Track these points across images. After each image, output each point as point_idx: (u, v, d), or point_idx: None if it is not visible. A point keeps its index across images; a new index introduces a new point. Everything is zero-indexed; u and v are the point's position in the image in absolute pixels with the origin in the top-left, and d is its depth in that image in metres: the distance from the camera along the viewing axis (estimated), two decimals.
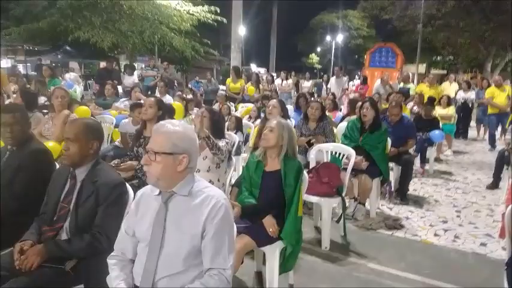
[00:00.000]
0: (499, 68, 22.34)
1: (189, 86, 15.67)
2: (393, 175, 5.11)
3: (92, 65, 23.46)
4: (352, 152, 3.85)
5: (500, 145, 8.50)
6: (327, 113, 7.81)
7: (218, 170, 2.94)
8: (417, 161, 6.33)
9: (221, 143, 2.89)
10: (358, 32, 38.65)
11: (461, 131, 9.66)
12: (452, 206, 4.74)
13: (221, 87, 10.44)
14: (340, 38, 37.99)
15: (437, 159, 7.16)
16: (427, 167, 6.40)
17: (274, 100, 3.82)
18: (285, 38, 38.76)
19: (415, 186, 5.51)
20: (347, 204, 4.35)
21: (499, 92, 8.09)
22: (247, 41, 35.23)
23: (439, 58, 32.47)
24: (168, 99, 6.52)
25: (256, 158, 2.68)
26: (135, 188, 3.18)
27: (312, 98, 8.16)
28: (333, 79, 10.54)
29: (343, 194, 3.69)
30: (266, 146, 2.62)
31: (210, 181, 2.90)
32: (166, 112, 3.87)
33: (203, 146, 2.84)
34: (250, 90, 8.99)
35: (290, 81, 12.22)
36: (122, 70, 17.53)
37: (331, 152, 4.00)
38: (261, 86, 9.40)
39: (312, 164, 3.95)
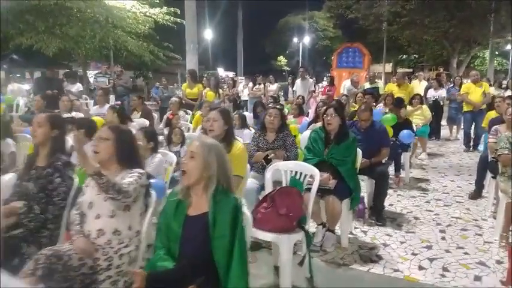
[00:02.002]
0: (464, 64, 22.46)
1: (151, 93, 14.70)
2: (366, 190, 4.45)
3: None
4: (316, 171, 3.10)
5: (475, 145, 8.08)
6: (292, 119, 7.24)
7: (129, 214, 2.10)
8: (391, 169, 5.72)
9: (127, 179, 2.06)
10: (324, 33, 38.69)
11: (433, 131, 9.19)
12: (436, 225, 4.09)
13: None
14: (307, 39, 37.80)
15: (412, 165, 6.57)
16: (402, 174, 5.78)
17: (214, 111, 3.02)
18: (253, 41, 38.32)
19: (391, 200, 4.86)
20: (314, 230, 3.64)
21: (475, 87, 7.61)
22: (214, 44, 34.51)
23: (404, 57, 32.82)
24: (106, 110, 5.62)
25: (175, 197, 1.89)
26: (19, 241, 2.36)
27: (273, 103, 7.45)
28: (298, 81, 9.85)
29: (307, 224, 2.95)
30: (187, 184, 1.84)
31: (116, 231, 2.08)
32: (80, 129, 3.04)
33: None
34: (209, 96, 8.18)
35: (261, 85, 11.51)
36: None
37: (292, 172, 3.25)
38: (221, 91, 8.60)
39: (268, 186, 3.19)
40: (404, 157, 5.80)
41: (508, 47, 26.59)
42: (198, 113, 7.41)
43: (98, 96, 6.16)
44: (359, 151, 3.85)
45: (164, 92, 9.00)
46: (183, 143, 4.24)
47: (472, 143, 8.09)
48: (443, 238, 3.74)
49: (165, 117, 6.27)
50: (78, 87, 8.81)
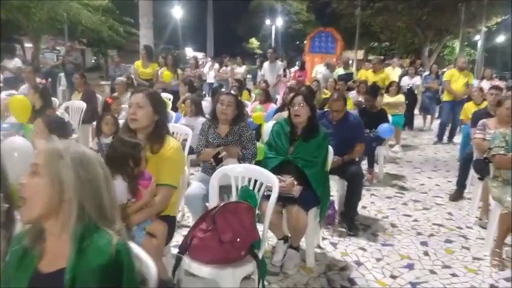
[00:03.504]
0: (435, 53, 22.39)
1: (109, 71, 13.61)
2: (337, 192, 3.82)
3: None
4: (274, 179, 2.39)
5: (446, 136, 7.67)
6: (257, 106, 6.51)
7: None
8: (364, 164, 5.15)
9: None
10: (298, 17, 37.93)
11: (406, 121, 8.72)
12: (416, 234, 3.51)
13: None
14: (279, 22, 36.88)
15: (386, 158, 6.03)
16: (376, 169, 5.21)
17: (140, 94, 2.22)
18: (224, 22, 37.05)
19: (365, 201, 4.26)
20: (273, 244, 2.99)
21: (459, 75, 7.04)
22: (184, 24, 33.00)
23: (376, 44, 32.69)
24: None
25: (20, 243, 1.13)
26: None
27: (238, 88, 6.70)
28: (266, 64, 9.07)
29: (262, 248, 2.26)
30: (28, 220, 1.09)
31: None
32: None
33: None
34: (166, 76, 7.31)
35: (229, 67, 10.67)
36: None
37: (244, 178, 2.52)
38: (180, 71, 7.73)
39: (213, 198, 2.46)
40: (379, 151, 5.22)
41: (477, 37, 26.81)
42: (165, 95, 6.59)
43: (26, 73, 5.19)
44: (330, 149, 3.19)
45: (116, 71, 8.01)
46: (116, 133, 3.43)
47: (447, 135, 7.66)
48: (425, 253, 3.16)
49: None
50: (16, 62, 7.72)
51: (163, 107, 2.26)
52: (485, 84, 8.66)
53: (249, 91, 8.42)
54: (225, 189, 2.64)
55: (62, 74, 10.22)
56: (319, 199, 2.82)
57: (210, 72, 11.42)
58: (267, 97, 6.56)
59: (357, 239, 3.38)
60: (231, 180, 2.46)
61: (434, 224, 3.75)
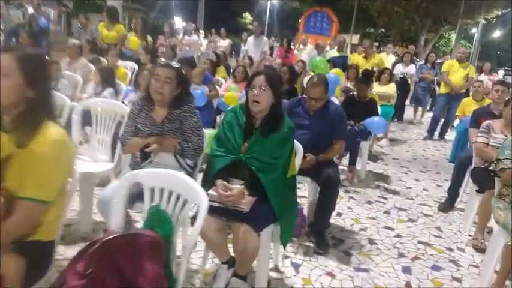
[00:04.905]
0: (431, 43, 21.74)
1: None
2: (308, 197, 3.17)
3: None
4: (202, 197, 1.66)
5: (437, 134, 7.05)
6: (232, 85, 5.76)
7: None
8: (344, 161, 4.52)
9: None
10: None
11: (396, 112, 8.07)
12: (397, 256, 2.88)
13: None
14: None
15: (370, 154, 5.39)
16: (358, 166, 4.56)
17: (6, 56, 1.41)
18: None
19: (341, 206, 3.63)
20: (216, 266, 2.33)
21: (459, 67, 6.37)
22: None
23: (372, 30, 31.92)
24: None
25: None
26: None
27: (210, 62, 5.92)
28: (250, 38, 8.29)
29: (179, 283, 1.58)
30: None
31: None
32: None
33: None
34: (133, 42, 6.49)
35: (195, 36, 9.70)
36: None
37: (161, 191, 1.76)
38: (149, 38, 6.89)
39: (116, 216, 1.74)
40: (363, 147, 4.56)
41: (474, 30, 26.21)
42: (128, 64, 5.79)
43: None
44: (298, 146, 2.50)
45: (81, 33, 7.10)
46: None
47: (438, 131, 7.04)
48: (407, 285, 2.54)
49: None
50: None
51: (43, 78, 1.50)
52: (483, 79, 8.05)
53: (228, 68, 7.63)
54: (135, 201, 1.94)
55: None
56: (277, 215, 2.14)
57: None
58: (246, 76, 5.81)
59: (326, 259, 2.73)
60: (144, 194, 1.72)
61: (420, 243, 3.12)
